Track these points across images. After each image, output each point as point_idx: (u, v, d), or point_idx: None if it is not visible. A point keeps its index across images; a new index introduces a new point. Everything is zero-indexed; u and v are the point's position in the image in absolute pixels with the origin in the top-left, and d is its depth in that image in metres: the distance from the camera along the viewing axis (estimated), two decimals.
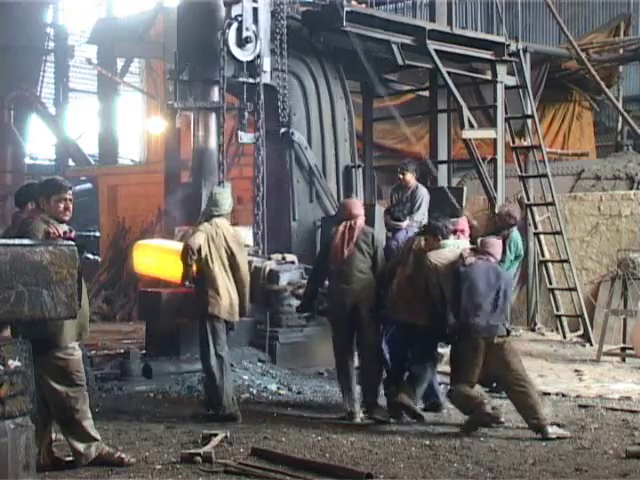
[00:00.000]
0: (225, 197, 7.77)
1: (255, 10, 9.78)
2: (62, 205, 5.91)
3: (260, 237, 9.51)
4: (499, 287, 7.30)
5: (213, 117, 9.98)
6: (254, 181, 9.93)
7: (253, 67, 9.76)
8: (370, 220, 9.49)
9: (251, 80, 9.75)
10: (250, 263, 8.97)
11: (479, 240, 7.65)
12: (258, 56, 9.73)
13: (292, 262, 9.72)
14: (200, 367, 8.08)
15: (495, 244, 7.58)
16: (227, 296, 7.59)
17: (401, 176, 10.27)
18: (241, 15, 9.56)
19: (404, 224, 8.62)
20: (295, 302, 9.23)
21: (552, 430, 6.96)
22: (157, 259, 9.48)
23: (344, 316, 7.78)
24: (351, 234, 7.81)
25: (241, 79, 9.79)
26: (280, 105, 10.14)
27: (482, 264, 7.34)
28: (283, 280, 8.71)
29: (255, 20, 9.76)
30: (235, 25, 9.53)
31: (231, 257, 7.62)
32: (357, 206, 8.10)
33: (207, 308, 7.55)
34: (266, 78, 9.99)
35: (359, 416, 7.65)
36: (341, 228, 7.87)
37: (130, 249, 12.29)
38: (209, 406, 7.72)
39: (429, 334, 7.58)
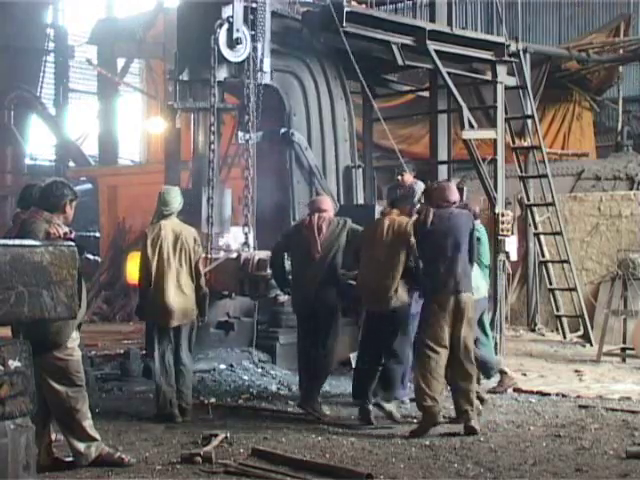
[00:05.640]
0: (173, 196, 7.84)
1: (254, 10, 9.77)
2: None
3: (250, 238, 9.51)
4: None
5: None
6: (244, 182, 9.89)
7: (249, 67, 9.73)
8: (370, 220, 9.49)
9: (247, 80, 9.72)
10: (239, 256, 9.02)
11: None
12: (253, 57, 9.70)
13: None
14: (199, 367, 8.12)
15: (448, 187, 7.49)
16: (162, 299, 7.58)
17: (400, 178, 10.41)
18: (232, 16, 9.56)
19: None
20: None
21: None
22: None
23: (307, 309, 7.96)
24: (320, 227, 7.92)
25: (238, 79, 9.76)
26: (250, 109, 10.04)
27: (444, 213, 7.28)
28: None
29: (254, 20, 9.75)
30: (226, 26, 9.54)
31: (179, 257, 7.64)
32: (325, 202, 8.23)
33: (142, 310, 7.75)
34: (266, 78, 9.97)
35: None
36: (308, 220, 8.00)
37: (129, 251, 12.31)
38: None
39: (397, 323, 7.54)
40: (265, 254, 8.94)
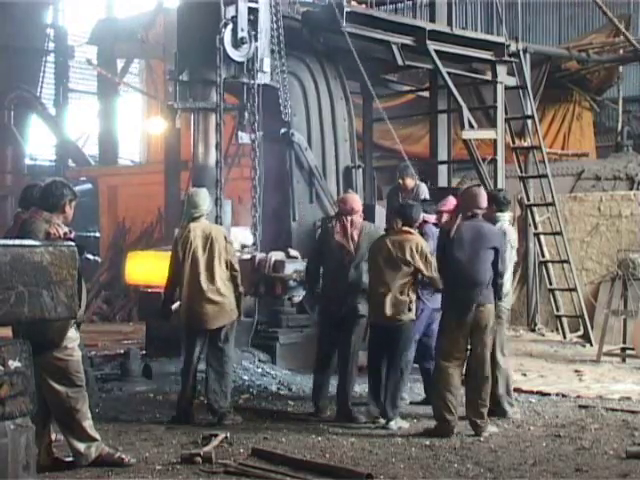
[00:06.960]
0: (202, 197, 7.73)
1: (255, 10, 9.79)
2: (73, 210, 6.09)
3: (258, 238, 9.51)
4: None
5: (213, 119, 9.93)
6: (251, 183, 9.92)
7: (252, 67, 9.76)
8: (370, 220, 9.50)
9: (248, 81, 9.74)
10: (253, 257, 8.97)
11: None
12: (255, 56, 9.73)
13: (295, 257, 9.75)
14: (200, 367, 8.11)
15: (479, 193, 7.36)
16: (190, 301, 7.53)
17: (400, 181, 10.43)
18: (236, 16, 9.58)
19: (433, 217, 8.47)
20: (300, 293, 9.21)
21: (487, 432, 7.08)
22: (150, 267, 9.48)
23: (336, 316, 7.83)
24: (352, 231, 7.80)
25: (239, 80, 9.78)
26: (282, 104, 10.10)
27: (468, 224, 7.21)
28: (289, 269, 8.71)
29: (255, 20, 9.77)
30: (230, 26, 9.56)
31: (211, 257, 7.52)
32: (356, 201, 8.04)
33: (166, 313, 7.74)
34: (266, 78, 9.98)
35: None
36: (340, 224, 7.82)
37: (129, 251, 12.32)
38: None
39: (399, 340, 7.51)
40: (281, 255, 8.90)
